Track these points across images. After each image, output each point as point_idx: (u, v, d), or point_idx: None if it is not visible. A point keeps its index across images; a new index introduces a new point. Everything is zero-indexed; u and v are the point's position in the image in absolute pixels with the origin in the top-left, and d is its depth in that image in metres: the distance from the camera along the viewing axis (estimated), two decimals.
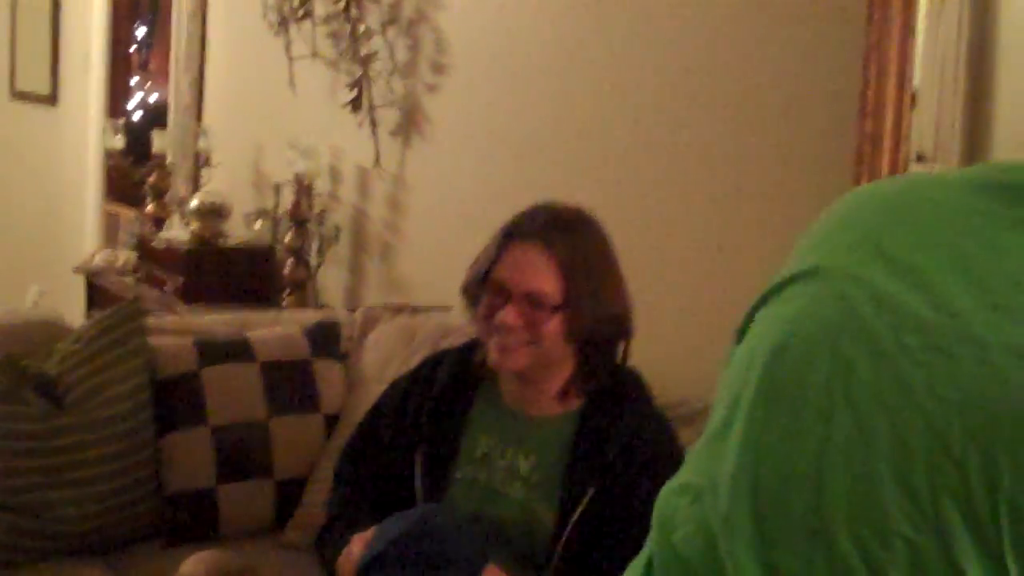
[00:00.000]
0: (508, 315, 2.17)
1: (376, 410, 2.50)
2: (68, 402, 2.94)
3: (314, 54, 4.53)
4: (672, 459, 2.20)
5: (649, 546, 1.10)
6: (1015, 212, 1.02)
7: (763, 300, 1.11)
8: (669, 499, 1.11)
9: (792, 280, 1.08)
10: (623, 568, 2.15)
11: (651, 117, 3.12)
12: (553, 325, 2.17)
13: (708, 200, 2.95)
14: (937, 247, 1.04)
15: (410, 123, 4.09)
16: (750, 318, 1.12)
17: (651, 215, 3.11)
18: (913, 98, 2.42)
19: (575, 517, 2.15)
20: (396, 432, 2.39)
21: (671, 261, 3.05)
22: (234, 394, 3.11)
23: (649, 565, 1.08)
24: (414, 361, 3.13)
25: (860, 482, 0.97)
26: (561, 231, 2.18)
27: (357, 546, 2.14)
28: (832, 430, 0.99)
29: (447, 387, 2.37)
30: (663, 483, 2.25)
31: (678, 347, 2.94)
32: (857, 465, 0.98)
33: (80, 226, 6.61)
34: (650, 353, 2.47)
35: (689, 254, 3.00)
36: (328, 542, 2.34)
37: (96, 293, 5.32)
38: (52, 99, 6.91)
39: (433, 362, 2.47)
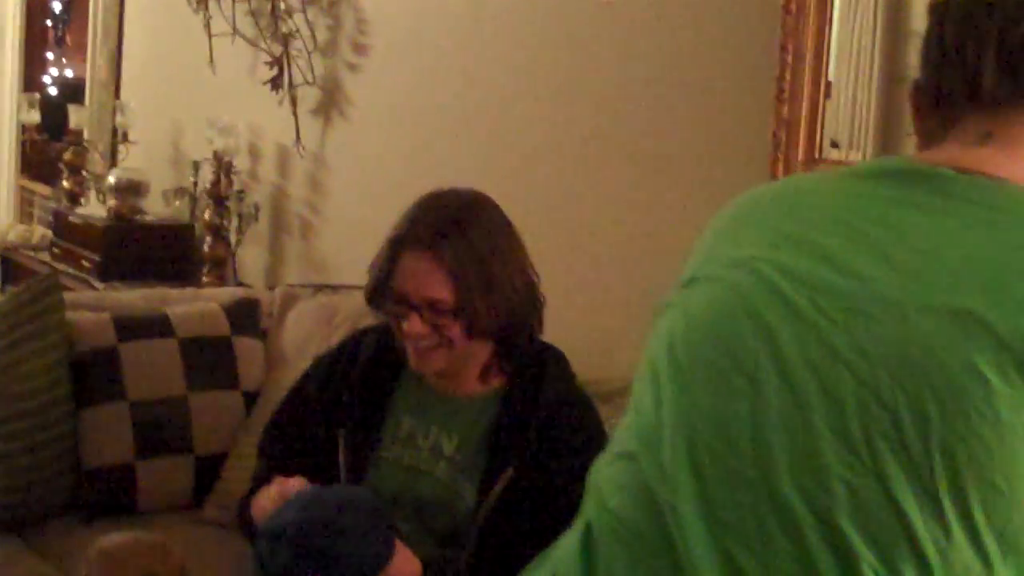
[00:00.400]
0: (413, 325, 2.18)
1: (299, 387, 2.49)
2: None
3: (234, 31, 4.51)
4: (592, 437, 2.23)
5: (584, 515, 1.13)
6: (897, 193, 1.12)
7: (676, 291, 1.16)
8: (602, 469, 1.14)
9: (701, 274, 1.14)
10: (540, 544, 2.19)
11: (570, 97, 3.16)
12: (457, 327, 2.18)
13: (627, 182, 2.99)
14: (835, 227, 1.12)
15: (331, 102, 4.10)
16: (662, 308, 1.17)
17: (570, 195, 3.14)
18: (828, 86, 2.48)
19: (494, 494, 2.18)
20: (319, 409, 2.39)
21: (590, 241, 3.09)
22: (153, 369, 3.10)
23: (587, 533, 1.12)
24: (335, 339, 3.15)
25: (797, 435, 1.03)
26: (449, 234, 2.16)
27: (276, 490, 2.14)
28: (764, 391, 1.05)
29: (370, 366, 2.37)
30: (583, 460, 2.28)
31: (598, 326, 2.98)
32: (792, 421, 1.03)
33: None
34: (570, 331, 2.50)
35: (608, 235, 3.03)
36: (249, 510, 2.36)
37: (10, 269, 5.26)
38: None
39: (356, 340, 2.47)
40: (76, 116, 5.37)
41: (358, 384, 2.36)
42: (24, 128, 5.96)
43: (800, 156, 2.46)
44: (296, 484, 2.15)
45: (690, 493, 1.04)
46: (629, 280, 2.94)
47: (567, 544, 1.16)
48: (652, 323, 1.20)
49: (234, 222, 4.38)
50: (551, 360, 2.30)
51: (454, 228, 2.17)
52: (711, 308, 1.10)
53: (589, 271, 3.06)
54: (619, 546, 1.07)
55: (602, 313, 3.01)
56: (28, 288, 3.12)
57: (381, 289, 2.24)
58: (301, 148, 4.18)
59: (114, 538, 2.52)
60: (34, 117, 5.63)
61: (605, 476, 1.13)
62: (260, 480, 2.41)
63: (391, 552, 2.04)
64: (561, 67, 3.18)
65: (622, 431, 1.17)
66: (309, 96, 4.16)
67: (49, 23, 6.46)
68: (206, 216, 4.40)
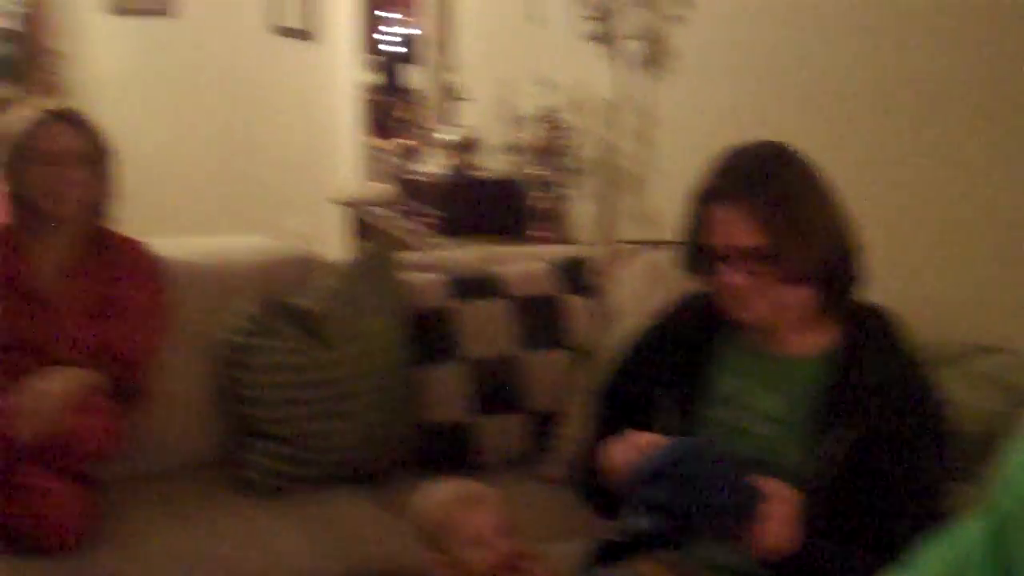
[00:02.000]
0: (729, 276, 2.17)
1: (629, 351, 2.53)
2: (325, 336, 3.07)
3: None
4: (933, 402, 2.18)
5: (995, 503, 1.07)
6: None
7: None
8: (1017, 457, 1.08)
9: None
10: (876, 510, 2.13)
11: (913, 44, 3.03)
12: (773, 273, 2.16)
13: (963, 141, 2.86)
14: None
15: (656, 55, 4.08)
16: None
17: (908, 150, 3.04)
18: None
19: (828, 457, 2.15)
20: (647, 373, 2.43)
21: (920, 205, 2.98)
22: (486, 329, 3.20)
23: (1000, 522, 1.06)
24: (664, 298, 3.16)
25: None
26: (757, 183, 2.14)
27: (632, 442, 2.16)
28: None
29: (691, 329, 2.38)
30: (923, 426, 2.20)
31: (926, 289, 2.90)
32: None
33: (336, 158, 6.83)
34: (897, 294, 2.45)
35: (939, 198, 2.92)
36: (581, 469, 2.41)
37: (359, 224, 5.50)
38: (308, 33, 7.13)
39: (681, 305, 2.48)
40: (411, 75, 5.54)
41: (680, 345, 2.37)
42: (365, 87, 6.19)
43: None
44: (650, 440, 2.18)
45: None
46: (959, 241, 2.83)
47: (972, 529, 1.10)
48: None
49: (563, 177, 4.44)
50: (884, 320, 2.25)
51: (763, 178, 2.16)
52: None
53: (917, 233, 2.96)
54: None
55: (932, 276, 2.92)
56: (367, 250, 3.30)
57: (692, 248, 2.24)
58: (629, 102, 4.18)
59: (458, 481, 2.59)
60: (376, 77, 5.83)
61: (1020, 465, 1.07)
62: (590, 441, 2.46)
63: (762, 493, 2.05)
64: (903, 17, 3.05)
65: None
66: (634, 50, 4.15)
67: None
68: (534, 171, 4.48)
